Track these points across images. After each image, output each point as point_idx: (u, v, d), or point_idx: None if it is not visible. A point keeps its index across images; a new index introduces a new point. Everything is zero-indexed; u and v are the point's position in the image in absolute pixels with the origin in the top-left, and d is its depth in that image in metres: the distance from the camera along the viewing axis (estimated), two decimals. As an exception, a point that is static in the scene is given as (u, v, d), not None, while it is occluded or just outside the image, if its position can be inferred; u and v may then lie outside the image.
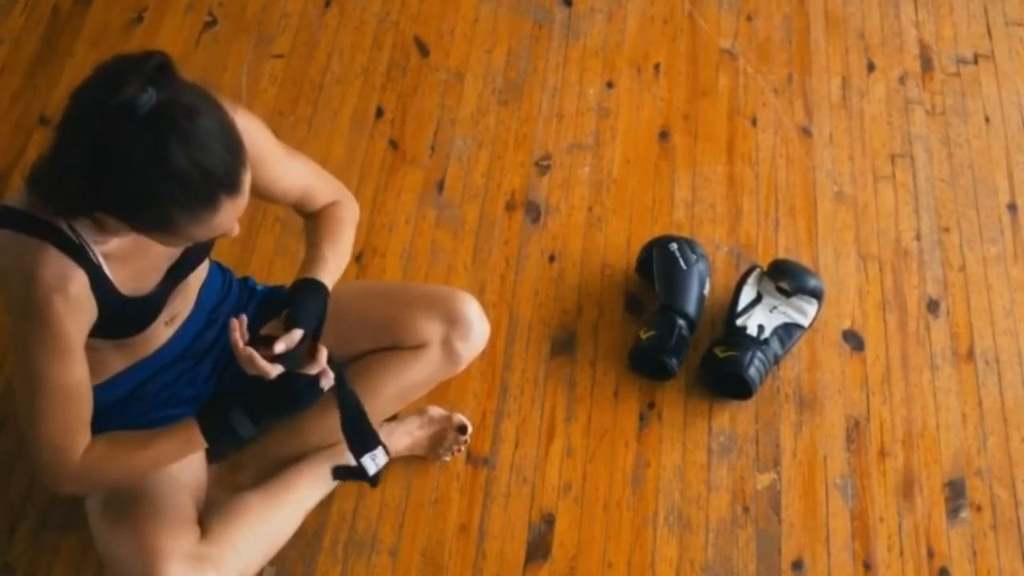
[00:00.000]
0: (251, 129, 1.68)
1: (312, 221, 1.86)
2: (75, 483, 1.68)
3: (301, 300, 1.70)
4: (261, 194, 1.78)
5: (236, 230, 1.52)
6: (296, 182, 1.81)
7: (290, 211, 1.90)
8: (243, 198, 1.47)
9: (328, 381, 1.68)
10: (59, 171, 1.43)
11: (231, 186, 1.44)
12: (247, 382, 1.67)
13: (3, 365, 2.19)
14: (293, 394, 1.66)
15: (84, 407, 1.63)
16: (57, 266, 1.50)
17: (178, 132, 1.38)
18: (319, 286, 1.73)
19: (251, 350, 1.61)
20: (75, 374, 1.58)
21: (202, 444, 1.67)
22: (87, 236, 1.53)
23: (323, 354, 1.68)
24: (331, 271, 1.78)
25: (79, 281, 1.52)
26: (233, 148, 1.44)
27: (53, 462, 1.63)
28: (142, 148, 1.37)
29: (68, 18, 2.73)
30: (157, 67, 1.39)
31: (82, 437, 1.63)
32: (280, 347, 1.62)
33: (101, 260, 1.55)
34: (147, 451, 1.68)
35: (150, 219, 1.45)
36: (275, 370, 1.61)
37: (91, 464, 1.64)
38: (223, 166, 1.42)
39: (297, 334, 1.64)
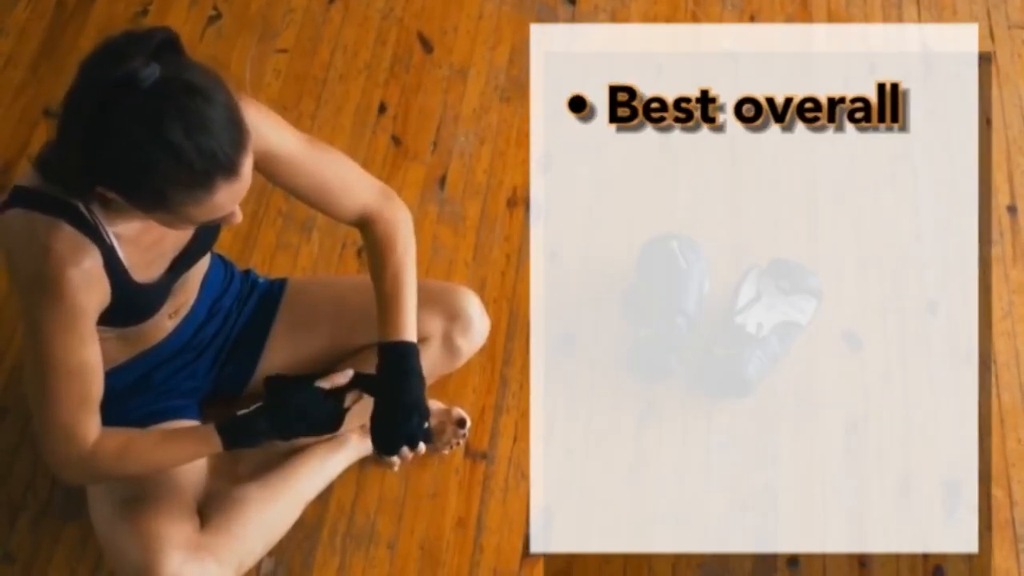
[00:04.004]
0: (264, 124, 1.66)
1: (374, 265, 1.82)
2: (81, 471, 1.65)
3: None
4: (290, 189, 1.75)
5: (239, 217, 1.51)
6: (322, 176, 1.76)
7: (331, 219, 1.88)
8: (242, 182, 1.45)
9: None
10: (62, 141, 1.43)
11: (229, 169, 1.42)
12: (276, 394, 1.71)
13: (5, 355, 2.20)
14: (326, 419, 1.73)
15: (94, 389, 1.60)
16: (71, 241, 1.49)
17: (178, 109, 1.36)
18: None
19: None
20: (86, 352, 1.57)
21: (219, 450, 1.68)
22: (100, 217, 1.53)
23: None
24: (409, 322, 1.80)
25: (93, 256, 1.52)
26: (234, 131, 1.42)
27: (61, 446, 1.61)
28: (141, 122, 1.36)
29: (73, 11, 2.73)
30: (163, 43, 1.38)
31: (91, 422, 1.61)
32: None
33: (114, 240, 1.55)
34: (161, 451, 1.67)
35: (147, 196, 1.44)
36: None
37: (102, 454, 1.62)
38: (222, 148, 1.40)
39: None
